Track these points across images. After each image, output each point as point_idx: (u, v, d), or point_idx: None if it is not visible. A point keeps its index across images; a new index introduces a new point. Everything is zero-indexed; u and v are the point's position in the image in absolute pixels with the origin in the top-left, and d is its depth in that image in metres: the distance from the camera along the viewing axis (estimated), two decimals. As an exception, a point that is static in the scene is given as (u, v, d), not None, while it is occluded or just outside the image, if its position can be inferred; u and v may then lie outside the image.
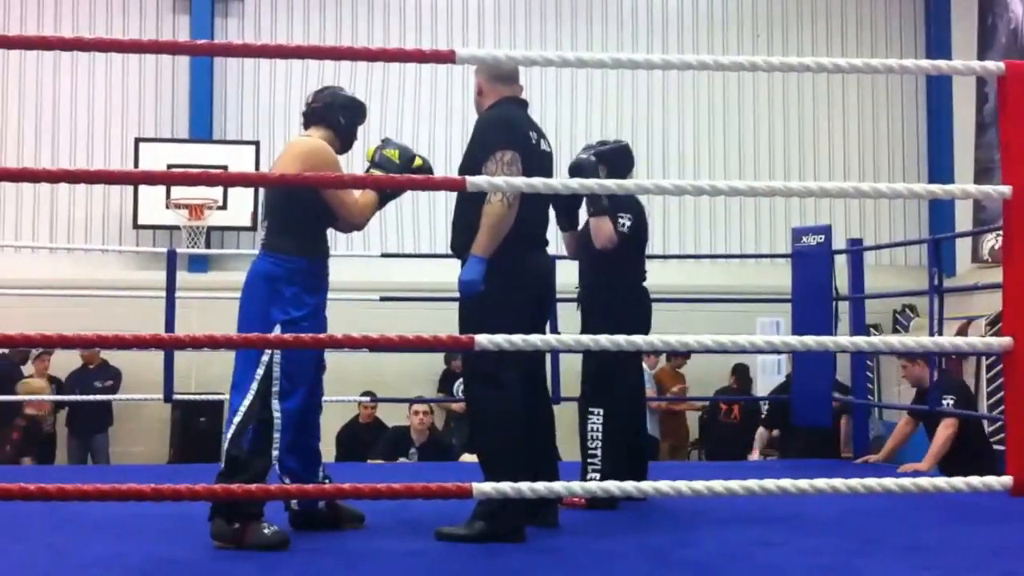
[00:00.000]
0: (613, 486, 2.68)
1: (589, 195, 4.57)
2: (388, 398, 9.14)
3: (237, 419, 3.87)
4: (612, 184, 3.18)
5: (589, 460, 4.85)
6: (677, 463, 9.02)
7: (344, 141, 4.26)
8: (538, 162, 4.13)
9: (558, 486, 2.78)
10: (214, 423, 9.99)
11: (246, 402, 3.88)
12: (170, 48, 4.09)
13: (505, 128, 4.10)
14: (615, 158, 5.00)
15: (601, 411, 4.85)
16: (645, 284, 5.12)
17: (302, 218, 4.05)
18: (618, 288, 4.96)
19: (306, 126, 4.24)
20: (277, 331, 3.89)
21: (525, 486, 2.63)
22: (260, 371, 3.89)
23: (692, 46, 11.57)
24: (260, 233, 4.20)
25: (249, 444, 3.84)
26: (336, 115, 4.21)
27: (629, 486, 2.68)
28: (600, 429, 4.85)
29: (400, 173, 4.12)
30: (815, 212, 11.19)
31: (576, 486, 2.80)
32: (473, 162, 4.08)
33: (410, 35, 11.27)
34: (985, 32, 11.03)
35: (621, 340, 2.70)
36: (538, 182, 2.90)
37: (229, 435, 3.87)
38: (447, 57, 2.76)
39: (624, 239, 4.88)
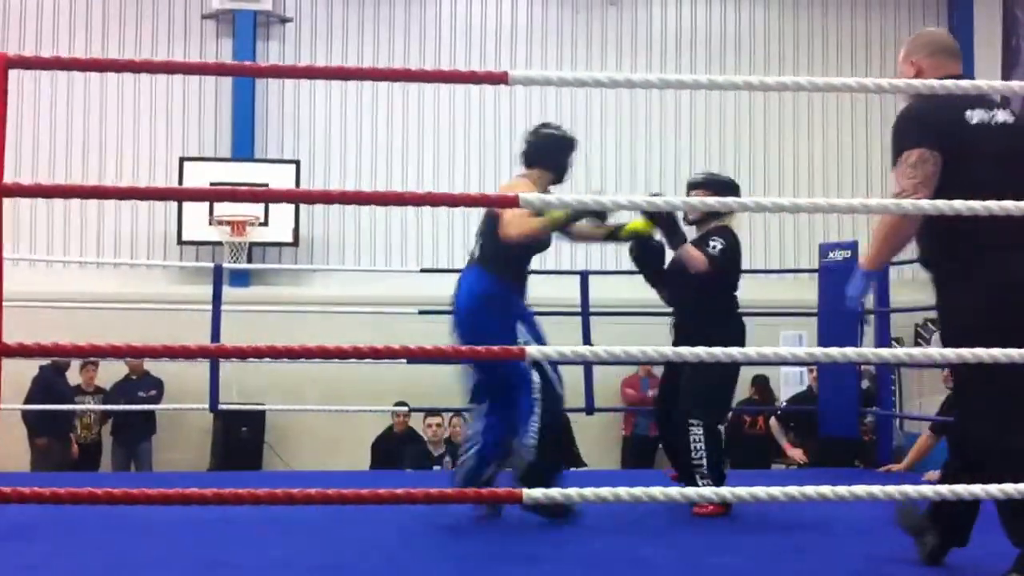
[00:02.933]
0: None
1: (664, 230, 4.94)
2: (421, 408, 9.37)
3: (534, 427, 4.35)
4: (642, 201, 3.34)
5: (696, 470, 4.97)
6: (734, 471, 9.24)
7: (558, 176, 4.91)
8: (985, 142, 3.40)
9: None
10: (255, 432, 10.29)
11: (537, 409, 4.34)
12: (237, 71, 4.40)
13: (913, 122, 3.46)
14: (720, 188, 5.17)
15: (701, 424, 4.99)
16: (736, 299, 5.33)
17: (510, 246, 4.60)
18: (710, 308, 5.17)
19: (526, 165, 4.88)
20: (522, 339, 4.34)
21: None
22: (536, 375, 4.33)
23: (719, 67, 11.83)
24: (475, 251, 4.76)
25: (539, 448, 4.30)
26: (546, 156, 4.88)
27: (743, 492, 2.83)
28: (702, 440, 5.00)
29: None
30: (838, 228, 11.40)
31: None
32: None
33: (444, 56, 11.57)
34: (1009, 53, 11.22)
35: (650, 351, 2.86)
36: (572, 200, 3.09)
37: (527, 444, 4.33)
38: (500, 78, 2.82)
39: (716, 262, 5.06)
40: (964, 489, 2.81)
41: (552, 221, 4.59)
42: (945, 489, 2.89)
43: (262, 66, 4.39)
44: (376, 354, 2.82)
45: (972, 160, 3.34)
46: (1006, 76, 10.88)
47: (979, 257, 3.37)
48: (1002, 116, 3.45)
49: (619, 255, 11.45)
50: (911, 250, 10.36)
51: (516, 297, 4.71)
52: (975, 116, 3.41)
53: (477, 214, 10.97)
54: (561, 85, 2.89)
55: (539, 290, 9.49)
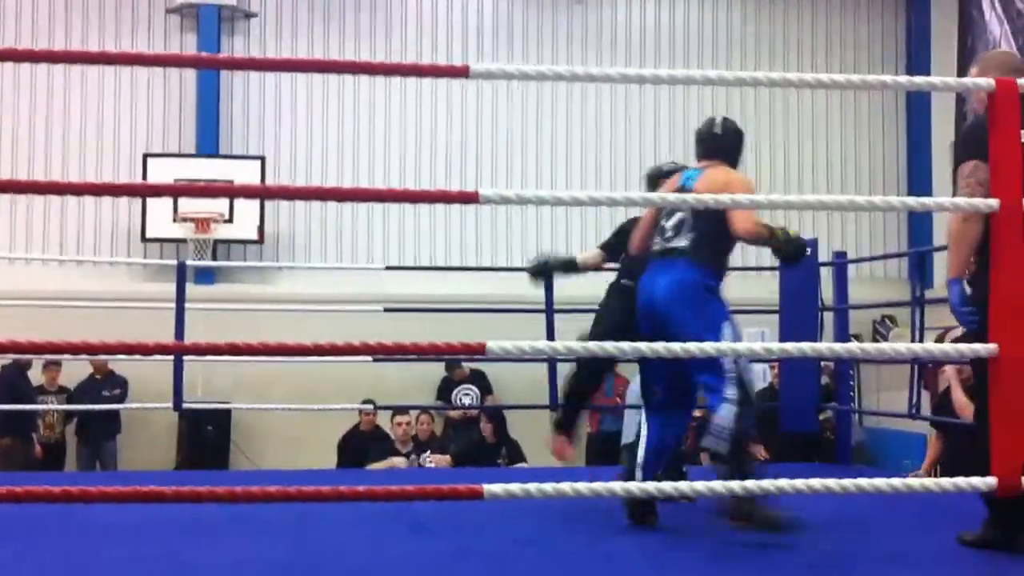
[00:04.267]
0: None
1: None
2: (388, 405, 9.40)
3: (733, 413, 4.18)
4: (620, 197, 3.39)
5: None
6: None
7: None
8: None
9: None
10: (221, 431, 10.28)
11: (735, 395, 4.19)
12: (204, 62, 4.40)
13: (970, 137, 3.66)
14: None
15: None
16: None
17: (726, 240, 4.47)
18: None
19: (708, 156, 4.62)
20: (726, 331, 4.27)
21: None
22: (729, 364, 4.22)
23: (683, 68, 11.91)
24: (681, 243, 4.47)
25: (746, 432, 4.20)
26: (732, 149, 4.70)
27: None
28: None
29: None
30: (799, 226, 11.49)
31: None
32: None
33: (411, 52, 11.56)
34: (965, 52, 11.38)
35: (613, 346, 2.91)
36: (548, 195, 3.14)
37: (728, 433, 4.16)
38: (461, 72, 2.87)
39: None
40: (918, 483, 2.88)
41: (769, 228, 4.41)
42: (898, 482, 2.96)
43: (239, 58, 4.35)
44: (344, 351, 2.87)
45: None
46: (962, 74, 11.00)
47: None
48: None
49: (585, 250, 11.53)
50: (868, 248, 10.44)
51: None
52: None
53: (444, 211, 11.18)
54: (522, 79, 2.89)
55: (503, 287, 9.63)
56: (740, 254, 11.55)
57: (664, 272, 4.45)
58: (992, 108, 2.97)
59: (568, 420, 5.43)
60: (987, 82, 2.98)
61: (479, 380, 10.59)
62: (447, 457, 9.15)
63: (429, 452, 9.19)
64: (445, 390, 10.57)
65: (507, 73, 3.05)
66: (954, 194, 3.67)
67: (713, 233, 4.42)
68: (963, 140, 3.76)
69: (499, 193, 2.92)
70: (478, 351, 2.86)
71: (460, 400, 10.44)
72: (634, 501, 4.37)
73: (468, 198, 3.00)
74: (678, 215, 4.50)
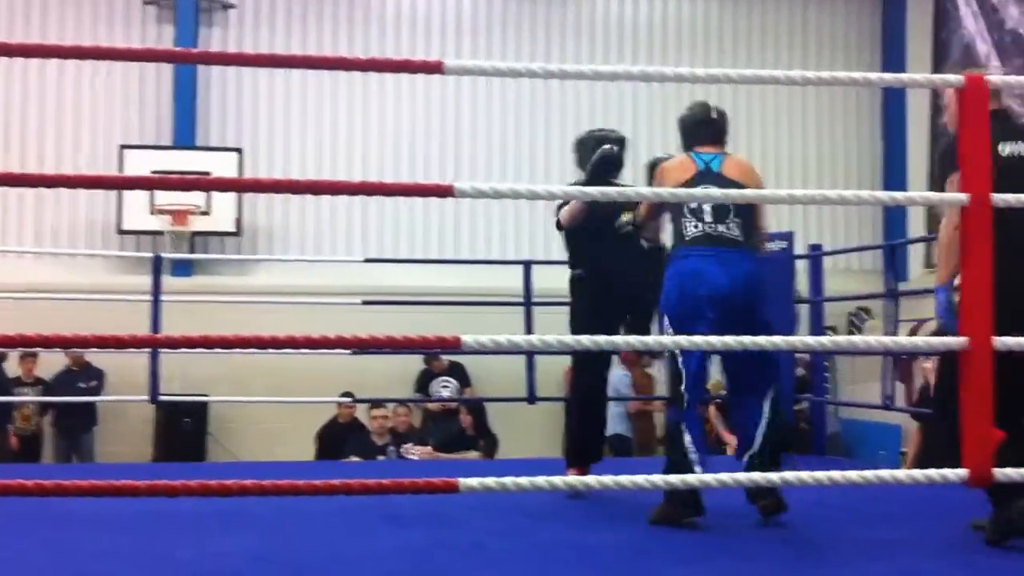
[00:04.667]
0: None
1: None
2: (366, 399, 9.42)
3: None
4: (614, 192, 3.40)
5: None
6: (646, 459, 9.38)
7: None
8: (1015, 172, 3.76)
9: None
10: (198, 423, 10.28)
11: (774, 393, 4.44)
12: (177, 57, 4.40)
13: (953, 150, 3.68)
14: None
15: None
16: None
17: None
18: None
19: (720, 142, 4.70)
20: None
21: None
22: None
23: (661, 61, 11.95)
24: (734, 232, 4.45)
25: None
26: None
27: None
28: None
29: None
30: (775, 219, 11.56)
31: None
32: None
33: (390, 45, 11.57)
34: (939, 48, 11.46)
35: (587, 340, 2.92)
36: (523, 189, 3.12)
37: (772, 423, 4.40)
38: (435, 68, 2.87)
39: None
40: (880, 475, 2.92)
41: None
42: (871, 474, 3.00)
43: (214, 53, 4.30)
44: (320, 344, 2.86)
45: (1001, 189, 3.42)
46: (936, 70, 11.11)
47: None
48: None
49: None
50: (844, 240, 10.49)
51: None
52: (1007, 148, 3.84)
53: (424, 203, 11.17)
54: (495, 75, 2.89)
55: (483, 280, 9.66)
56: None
57: (738, 262, 4.41)
58: (961, 105, 2.99)
59: (580, 459, 5.40)
60: (956, 79, 3.00)
61: (458, 372, 10.61)
62: (429, 448, 9.18)
63: (412, 444, 9.23)
64: (424, 382, 10.59)
65: (482, 69, 3.08)
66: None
67: (750, 220, 4.52)
68: (946, 153, 3.79)
69: (474, 187, 2.89)
70: (453, 345, 2.85)
71: (439, 392, 10.46)
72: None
73: (443, 191, 2.96)
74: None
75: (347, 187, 3.17)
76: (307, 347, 2.85)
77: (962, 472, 2.89)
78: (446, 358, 10.50)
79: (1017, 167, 3.79)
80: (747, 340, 3.12)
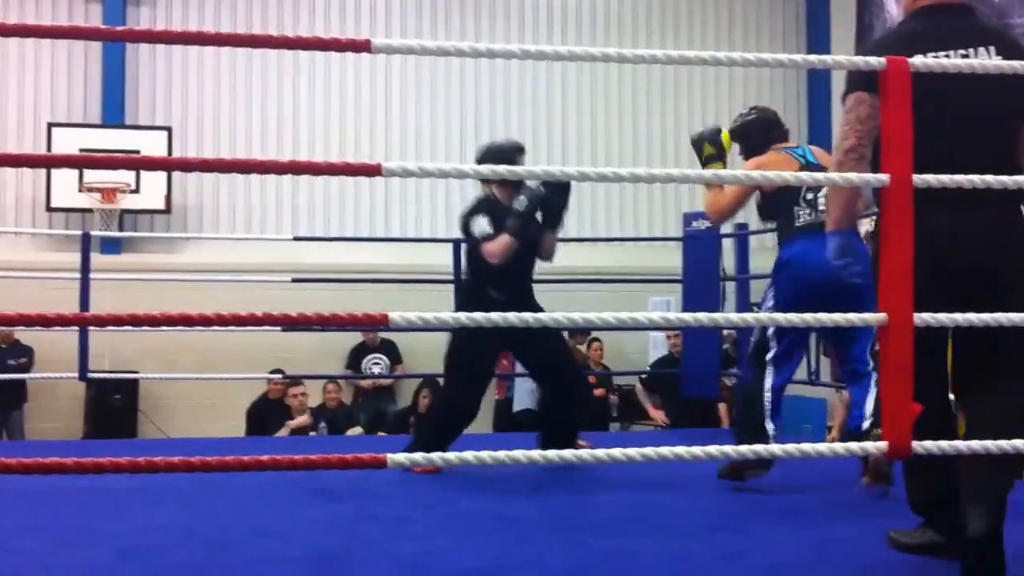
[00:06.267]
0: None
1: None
2: (296, 375, 9.46)
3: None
4: (539, 171, 3.38)
5: None
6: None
7: None
8: (924, 88, 3.03)
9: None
10: (129, 400, 10.26)
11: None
12: (107, 35, 4.39)
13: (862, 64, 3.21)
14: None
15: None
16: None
17: None
18: None
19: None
20: None
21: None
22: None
23: (590, 42, 12.06)
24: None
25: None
26: None
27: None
28: None
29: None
30: (701, 198, 11.73)
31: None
32: None
33: (319, 24, 11.54)
34: (862, 31, 11.68)
35: (531, 318, 2.94)
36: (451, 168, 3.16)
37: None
38: (363, 46, 2.85)
39: None
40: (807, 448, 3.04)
41: None
42: (793, 447, 3.12)
43: (139, 31, 4.19)
44: (248, 321, 2.85)
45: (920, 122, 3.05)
46: (859, 53, 11.32)
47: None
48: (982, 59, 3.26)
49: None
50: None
51: None
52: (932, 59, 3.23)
53: (355, 181, 11.17)
54: (423, 54, 2.88)
55: (414, 258, 9.73)
56: (647, 226, 11.96)
57: (856, 242, 4.34)
58: (883, 85, 3.01)
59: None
60: (879, 61, 3.03)
61: (389, 349, 10.69)
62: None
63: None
64: (357, 357, 10.65)
65: (409, 48, 3.03)
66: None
67: None
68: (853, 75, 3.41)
69: (402, 166, 2.90)
70: (381, 322, 2.87)
71: (370, 369, 10.54)
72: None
73: (371, 171, 2.94)
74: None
75: (275, 166, 3.13)
76: (235, 324, 2.86)
77: (882, 445, 2.95)
78: (381, 334, 10.57)
79: (942, 87, 3.18)
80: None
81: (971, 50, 3.29)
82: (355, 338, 10.65)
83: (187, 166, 3.34)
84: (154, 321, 2.80)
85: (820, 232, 4.25)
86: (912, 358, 2.95)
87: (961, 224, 3.22)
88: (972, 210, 3.20)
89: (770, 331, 4.74)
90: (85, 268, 7.17)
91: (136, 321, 2.80)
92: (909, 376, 2.94)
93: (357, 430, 9.82)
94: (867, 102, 3.30)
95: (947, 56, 3.27)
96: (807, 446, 2.96)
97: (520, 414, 9.80)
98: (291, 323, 2.95)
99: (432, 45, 2.96)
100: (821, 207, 4.69)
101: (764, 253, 11.07)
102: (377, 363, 10.59)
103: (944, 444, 2.97)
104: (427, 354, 9.44)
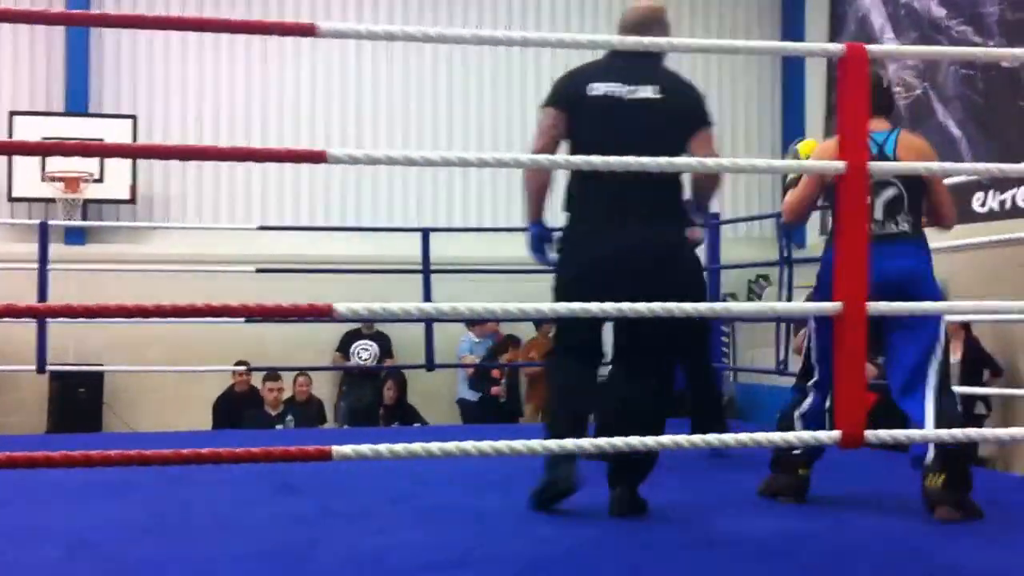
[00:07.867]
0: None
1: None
2: (262, 367, 9.33)
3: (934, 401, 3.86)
4: (489, 158, 3.31)
5: None
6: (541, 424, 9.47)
7: None
8: (593, 112, 3.92)
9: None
10: (93, 393, 10.12)
11: (936, 383, 3.86)
12: (54, 18, 4.26)
13: (553, 84, 4.09)
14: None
15: None
16: None
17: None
18: None
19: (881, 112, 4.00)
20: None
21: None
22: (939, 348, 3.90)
23: (564, 28, 11.98)
24: (903, 227, 3.99)
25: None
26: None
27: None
28: None
29: None
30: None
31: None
32: None
33: (289, 8, 11.40)
34: (836, 22, 11.67)
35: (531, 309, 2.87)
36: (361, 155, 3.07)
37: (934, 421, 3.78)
38: (309, 30, 2.82)
39: None
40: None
41: None
42: (762, 436, 3.04)
43: (91, 14, 4.09)
44: (208, 312, 2.80)
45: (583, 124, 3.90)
46: (833, 40, 11.29)
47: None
48: (644, 93, 3.91)
49: (465, 212, 11.55)
50: (744, 209, 10.55)
51: None
52: (598, 89, 3.89)
53: (323, 171, 11.02)
54: (370, 39, 2.82)
55: (382, 248, 9.61)
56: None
57: (898, 256, 3.93)
58: (841, 72, 3.02)
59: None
60: (839, 47, 3.05)
61: (381, 339, 10.60)
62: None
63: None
64: (348, 341, 10.57)
65: (356, 32, 2.99)
66: None
67: (919, 210, 4.03)
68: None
69: (348, 153, 2.86)
70: (324, 313, 2.81)
71: (358, 354, 10.47)
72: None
73: (316, 157, 2.90)
74: (890, 191, 3.97)
75: (216, 153, 3.06)
76: (195, 315, 2.78)
77: (835, 434, 2.94)
78: (376, 326, 10.53)
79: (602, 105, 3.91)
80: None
81: (636, 87, 3.90)
82: (336, 330, 10.57)
83: (142, 153, 3.34)
84: (108, 312, 2.73)
85: (890, 244, 3.90)
86: (865, 347, 2.97)
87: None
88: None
89: (814, 357, 4.19)
90: (43, 259, 7.02)
91: (90, 312, 2.74)
92: (862, 365, 2.99)
93: (329, 425, 9.74)
94: (550, 115, 3.95)
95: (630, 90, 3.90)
96: (775, 435, 3.03)
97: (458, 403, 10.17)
98: (249, 314, 2.92)
99: (379, 29, 2.92)
100: (877, 215, 3.94)
101: (739, 243, 11.14)
102: (366, 349, 10.51)
103: (898, 433, 3.04)
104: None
